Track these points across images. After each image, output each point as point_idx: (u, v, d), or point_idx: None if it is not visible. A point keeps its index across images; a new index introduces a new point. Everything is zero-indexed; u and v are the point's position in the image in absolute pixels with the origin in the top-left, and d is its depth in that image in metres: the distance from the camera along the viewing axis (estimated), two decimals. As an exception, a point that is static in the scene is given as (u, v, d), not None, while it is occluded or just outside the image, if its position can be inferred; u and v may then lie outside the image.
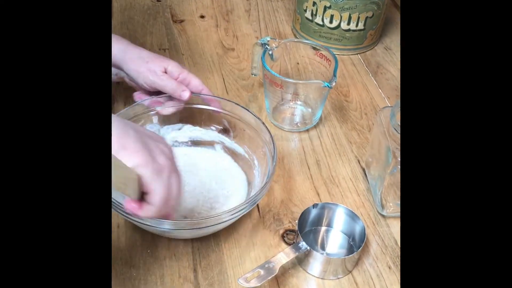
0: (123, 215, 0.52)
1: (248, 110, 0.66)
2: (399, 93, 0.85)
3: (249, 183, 0.66)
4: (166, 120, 0.69)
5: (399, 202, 0.62)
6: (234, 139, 0.69)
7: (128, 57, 0.67)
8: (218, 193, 0.65)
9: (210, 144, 0.71)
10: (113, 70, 0.70)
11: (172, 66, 0.67)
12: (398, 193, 0.62)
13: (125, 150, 0.44)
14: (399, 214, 0.64)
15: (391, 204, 0.63)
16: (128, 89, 0.75)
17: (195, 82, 0.68)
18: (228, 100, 0.68)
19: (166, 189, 0.46)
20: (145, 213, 0.47)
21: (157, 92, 0.68)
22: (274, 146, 0.61)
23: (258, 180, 0.64)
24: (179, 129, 0.71)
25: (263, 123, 0.64)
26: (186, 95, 0.66)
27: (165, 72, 0.67)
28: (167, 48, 0.91)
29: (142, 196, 0.47)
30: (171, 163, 0.48)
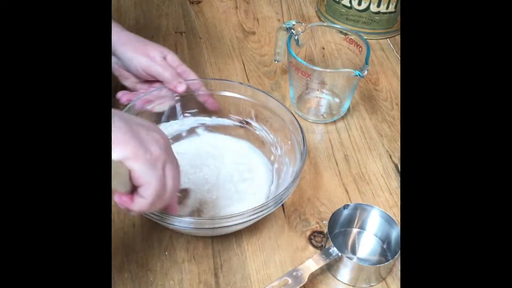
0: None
1: (275, 99, 0.62)
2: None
3: (274, 179, 0.61)
4: (185, 107, 0.65)
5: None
6: (258, 128, 0.65)
7: (123, 40, 0.63)
8: (240, 187, 0.61)
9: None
10: None
11: (172, 56, 0.64)
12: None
13: (112, 143, 0.39)
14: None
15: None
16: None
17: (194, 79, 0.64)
18: (251, 87, 0.64)
19: (159, 181, 0.43)
20: (137, 207, 0.43)
21: (145, 85, 0.64)
22: (303, 139, 0.56)
23: (283, 176, 0.60)
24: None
25: (292, 113, 0.60)
26: (182, 87, 0.62)
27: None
28: (184, 31, 0.86)
29: (134, 189, 0.43)
30: (165, 153, 0.44)
